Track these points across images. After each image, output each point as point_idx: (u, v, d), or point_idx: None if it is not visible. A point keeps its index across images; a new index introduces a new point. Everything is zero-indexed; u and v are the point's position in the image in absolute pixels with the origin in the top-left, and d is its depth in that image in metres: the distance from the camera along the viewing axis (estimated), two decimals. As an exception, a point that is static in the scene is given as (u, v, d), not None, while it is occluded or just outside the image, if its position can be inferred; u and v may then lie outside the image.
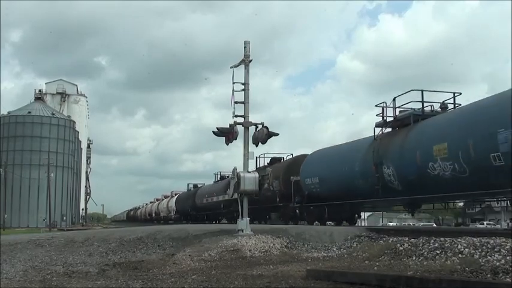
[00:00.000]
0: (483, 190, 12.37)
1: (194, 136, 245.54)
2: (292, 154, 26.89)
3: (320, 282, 7.19)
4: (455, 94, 15.65)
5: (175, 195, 54.88)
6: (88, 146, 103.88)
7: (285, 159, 27.25)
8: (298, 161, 23.71)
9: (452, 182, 13.08)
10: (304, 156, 23.90)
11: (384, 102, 16.81)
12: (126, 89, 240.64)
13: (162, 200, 62.82)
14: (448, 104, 15.77)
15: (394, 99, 16.36)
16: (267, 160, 25.92)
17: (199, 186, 46.16)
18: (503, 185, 11.25)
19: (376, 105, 16.99)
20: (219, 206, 33.20)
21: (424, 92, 15.62)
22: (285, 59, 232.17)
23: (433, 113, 15.66)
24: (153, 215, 64.41)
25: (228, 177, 32.20)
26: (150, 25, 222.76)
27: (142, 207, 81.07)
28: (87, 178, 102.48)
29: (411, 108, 16.09)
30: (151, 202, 74.03)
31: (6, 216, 55.19)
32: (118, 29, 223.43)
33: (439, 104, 15.80)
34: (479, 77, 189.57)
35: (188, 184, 48.75)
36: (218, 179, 39.31)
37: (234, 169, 15.04)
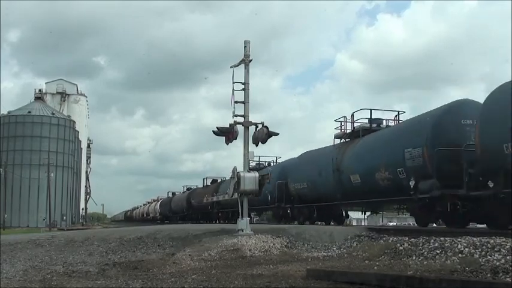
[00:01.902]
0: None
1: (194, 136, 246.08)
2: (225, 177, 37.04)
3: (320, 282, 7.19)
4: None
5: (160, 199, 65.30)
6: (88, 146, 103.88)
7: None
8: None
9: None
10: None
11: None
12: (125, 89, 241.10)
13: (152, 202, 72.20)
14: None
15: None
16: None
17: (176, 194, 57.09)
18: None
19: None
20: (183, 210, 47.39)
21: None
22: (283, 59, 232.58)
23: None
24: (145, 215, 72.79)
25: (188, 190, 50.39)
26: (149, 25, 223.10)
27: (138, 208, 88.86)
28: (87, 178, 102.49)
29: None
30: (144, 204, 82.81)
31: (6, 216, 55.21)
32: (117, 29, 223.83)
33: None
34: (477, 76, 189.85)
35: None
36: (185, 190, 52.92)
37: (234, 169, 15.04)
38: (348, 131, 20.59)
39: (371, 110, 20.24)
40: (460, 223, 14.52)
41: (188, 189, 51.03)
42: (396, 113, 19.80)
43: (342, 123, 20.92)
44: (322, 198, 21.48)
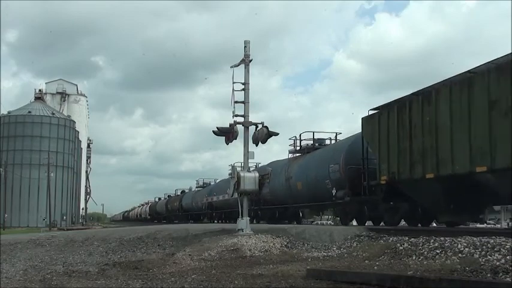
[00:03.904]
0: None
1: (192, 135, 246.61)
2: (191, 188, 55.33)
3: (320, 281, 7.19)
4: None
5: (150, 203, 78.75)
6: (88, 146, 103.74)
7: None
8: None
9: None
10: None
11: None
12: (123, 88, 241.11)
13: (145, 205, 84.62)
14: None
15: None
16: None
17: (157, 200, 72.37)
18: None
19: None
20: (163, 212, 61.51)
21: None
22: (282, 59, 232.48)
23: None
24: (139, 216, 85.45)
25: (168, 197, 64.18)
26: (146, 25, 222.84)
27: (133, 209, 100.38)
28: (87, 178, 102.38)
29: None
30: (138, 206, 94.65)
31: (6, 216, 55.15)
32: (114, 29, 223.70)
33: None
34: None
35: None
36: (166, 197, 65.89)
37: (234, 168, 15.04)
38: (297, 148, 25.36)
39: (313, 132, 25.05)
40: (365, 222, 19.54)
41: (168, 196, 64.88)
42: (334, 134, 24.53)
43: (295, 141, 25.59)
44: (280, 202, 25.69)
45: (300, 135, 25.32)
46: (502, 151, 11.20)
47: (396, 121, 14.75)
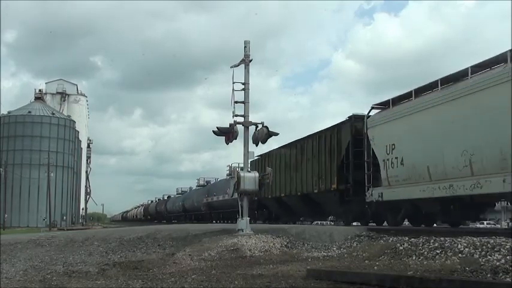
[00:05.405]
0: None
1: (192, 136, 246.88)
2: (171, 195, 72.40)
3: (320, 282, 7.19)
4: None
5: (145, 205, 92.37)
6: (88, 146, 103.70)
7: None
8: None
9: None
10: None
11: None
12: (122, 88, 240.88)
13: (140, 207, 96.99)
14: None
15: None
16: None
17: (149, 203, 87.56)
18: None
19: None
20: (154, 214, 73.25)
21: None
22: (280, 59, 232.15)
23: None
24: (134, 216, 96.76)
25: (158, 201, 79.66)
26: (144, 25, 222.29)
27: (131, 210, 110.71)
28: (87, 178, 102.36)
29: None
30: (135, 208, 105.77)
31: (6, 216, 55.18)
32: (112, 29, 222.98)
33: None
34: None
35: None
36: (157, 200, 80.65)
37: (234, 169, 15.03)
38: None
39: (238, 163, 33.91)
40: (256, 220, 28.78)
41: (158, 199, 79.42)
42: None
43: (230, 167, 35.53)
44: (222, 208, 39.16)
45: (232, 164, 35.42)
46: (307, 186, 22.51)
47: (265, 164, 25.20)
